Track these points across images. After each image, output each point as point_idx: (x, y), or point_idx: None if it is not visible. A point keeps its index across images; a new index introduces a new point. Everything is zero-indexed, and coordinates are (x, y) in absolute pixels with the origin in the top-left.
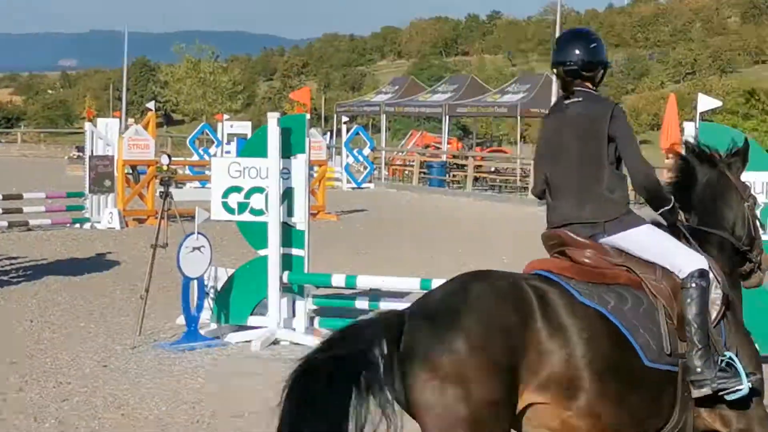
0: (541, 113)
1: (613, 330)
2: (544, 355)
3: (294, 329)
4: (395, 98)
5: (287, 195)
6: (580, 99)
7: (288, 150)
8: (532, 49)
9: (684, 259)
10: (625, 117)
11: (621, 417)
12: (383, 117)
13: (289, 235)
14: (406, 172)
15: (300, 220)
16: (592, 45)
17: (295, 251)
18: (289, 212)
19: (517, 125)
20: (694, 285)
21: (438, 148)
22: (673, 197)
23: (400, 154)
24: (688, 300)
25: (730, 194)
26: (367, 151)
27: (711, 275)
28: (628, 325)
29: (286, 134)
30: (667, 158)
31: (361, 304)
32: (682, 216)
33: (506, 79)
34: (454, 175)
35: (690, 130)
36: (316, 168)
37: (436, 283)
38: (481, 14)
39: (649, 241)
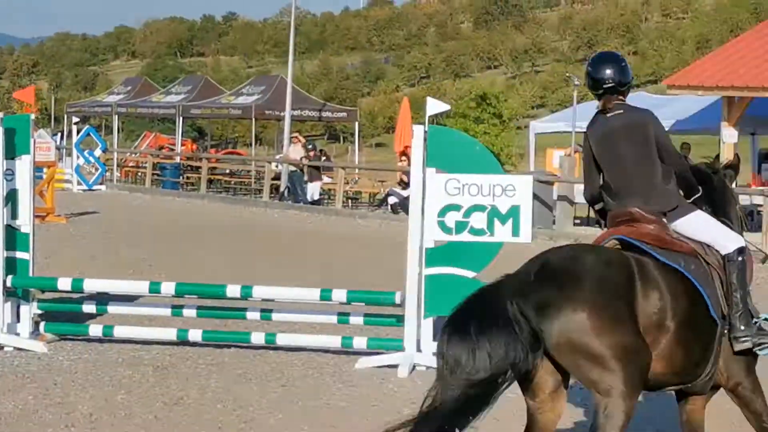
0: (275, 115)
1: (690, 286)
2: (645, 307)
3: (18, 334)
4: (128, 99)
5: (11, 197)
6: (622, 111)
7: (12, 151)
8: (268, 50)
9: (728, 238)
10: (659, 121)
11: (685, 361)
12: (116, 118)
13: (13, 238)
14: (139, 173)
15: (24, 222)
16: (623, 65)
17: (19, 254)
18: (13, 215)
19: (252, 127)
20: (739, 259)
21: (172, 150)
22: (700, 188)
23: (133, 155)
24: (734, 271)
25: (731, 198)
26: (98, 152)
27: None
28: (700, 282)
29: (9, 135)
30: (400, 161)
31: (89, 308)
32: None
33: (242, 81)
34: (188, 177)
35: (419, 133)
36: (44, 169)
37: (165, 286)
38: (216, 15)
39: (699, 224)
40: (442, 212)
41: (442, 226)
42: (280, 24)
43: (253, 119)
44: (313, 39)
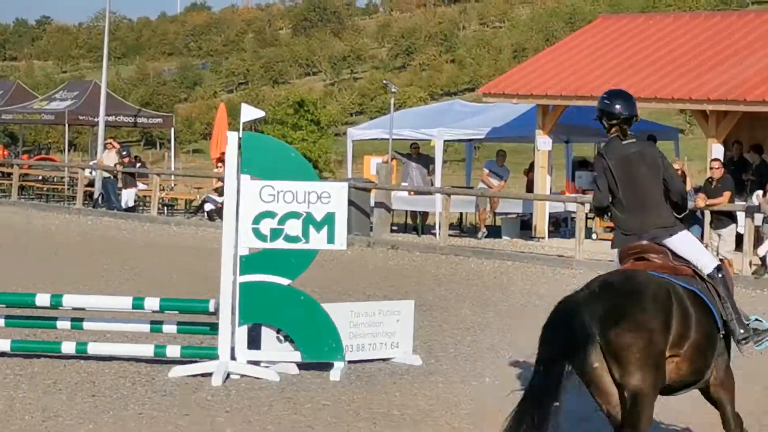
0: (90, 120)
1: (703, 303)
2: (678, 321)
3: None
4: None
5: None
6: (634, 140)
7: None
8: (83, 55)
9: (707, 259)
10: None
11: (701, 363)
12: None
13: None
14: None
15: None
16: (633, 101)
17: None
18: None
19: (66, 133)
20: (719, 275)
21: None
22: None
23: None
24: (719, 285)
25: None
26: None
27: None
28: (709, 300)
29: None
30: (217, 167)
31: None
32: None
33: (56, 86)
34: None
35: (233, 139)
36: None
37: None
38: (30, 19)
39: (687, 243)
40: (257, 219)
41: (257, 233)
42: (95, 29)
43: (66, 125)
44: (129, 44)
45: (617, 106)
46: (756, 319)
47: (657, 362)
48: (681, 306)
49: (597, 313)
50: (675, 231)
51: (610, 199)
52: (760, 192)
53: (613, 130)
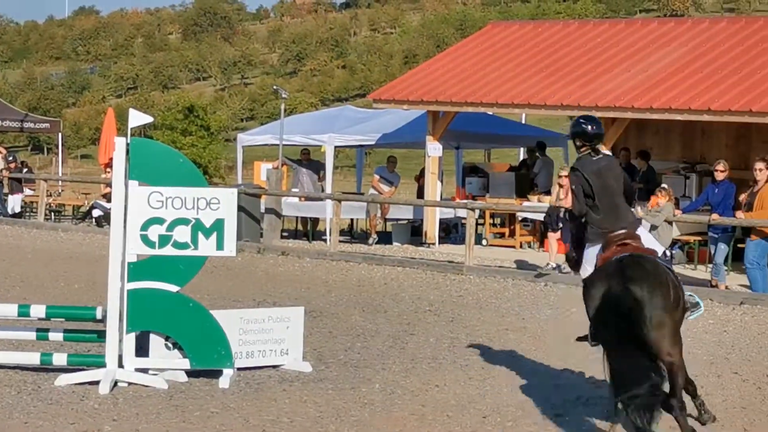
0: None
1: (673, 276)
2: (673, 290)
3: None
4: None
5: None
6: (602, 156)
7: None
8: None
9: (657, 246)
10: None
11: (679, 321)
12: None
13: None
14: None
15: None
16: (601, 124)
17: None
18: None
19: None
20: (667, 258)
21: None
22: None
23: None
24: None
25: None
26: None
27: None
28: (673, 275)
29: None
30: (105, 173)
31: None
32: None
33: None
34: None
35: (121, 145)
36: None
37: None
38: None
39: (644, 236)
40: (145, 226)
41: (145, 239)
42: None
43: None
44: (16, 48)
45: (590, 128)
46: (689, 294)
47: (679, 310)
48: (675, 278)
49: (636, 290)
50: (637, 227)
51: (586, 204)
52: (639, 209)
53: (584, 149)
